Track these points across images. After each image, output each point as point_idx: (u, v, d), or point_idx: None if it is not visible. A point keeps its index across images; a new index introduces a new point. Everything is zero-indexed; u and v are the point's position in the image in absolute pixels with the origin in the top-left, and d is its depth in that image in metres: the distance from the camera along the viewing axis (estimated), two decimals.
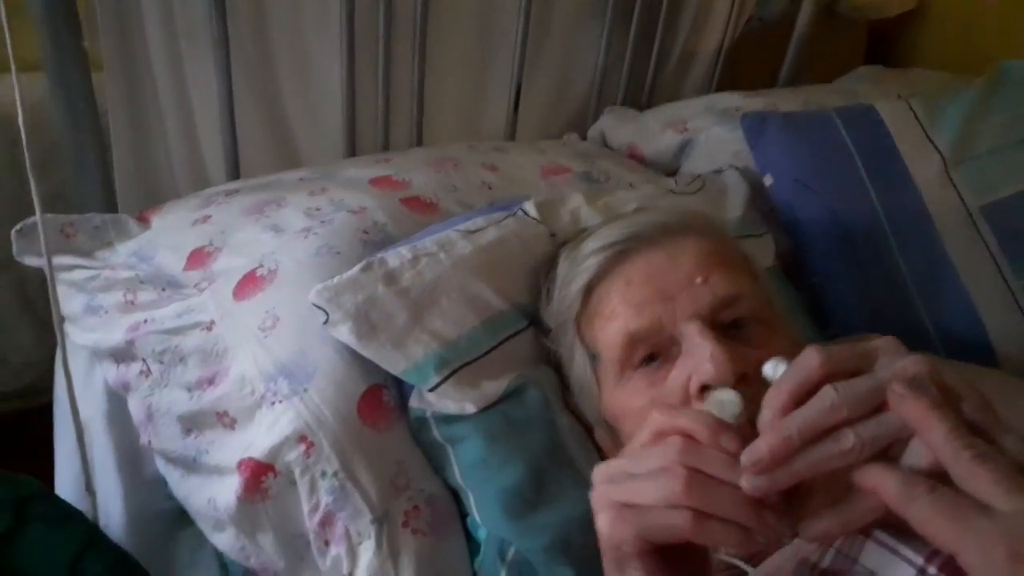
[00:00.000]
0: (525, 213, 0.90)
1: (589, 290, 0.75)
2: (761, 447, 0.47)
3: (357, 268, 0.79)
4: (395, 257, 0.81)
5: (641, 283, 0.72)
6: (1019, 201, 1.07)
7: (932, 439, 0.43)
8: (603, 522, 0.53)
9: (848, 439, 0.45)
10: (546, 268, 0.84)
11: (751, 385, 0.65)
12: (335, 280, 0.78)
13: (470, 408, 0.76)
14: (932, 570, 0.54)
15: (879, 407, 0.46)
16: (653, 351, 0.70)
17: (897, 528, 0.56)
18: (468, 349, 0.78)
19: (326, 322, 0.76)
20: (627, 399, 0.71)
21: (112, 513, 0.86)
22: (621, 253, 0.75)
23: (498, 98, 1.34)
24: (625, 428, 0.72)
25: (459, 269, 0.81)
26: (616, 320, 0.72)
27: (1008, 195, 1.07)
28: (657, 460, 0.51)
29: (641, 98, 1.49)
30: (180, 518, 0.86)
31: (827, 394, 0.46)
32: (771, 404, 0.49)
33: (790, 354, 0.56)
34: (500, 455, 0.75)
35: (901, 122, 1.12)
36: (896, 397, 0.45)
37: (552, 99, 1.42)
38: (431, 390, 0.76)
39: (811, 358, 0.48)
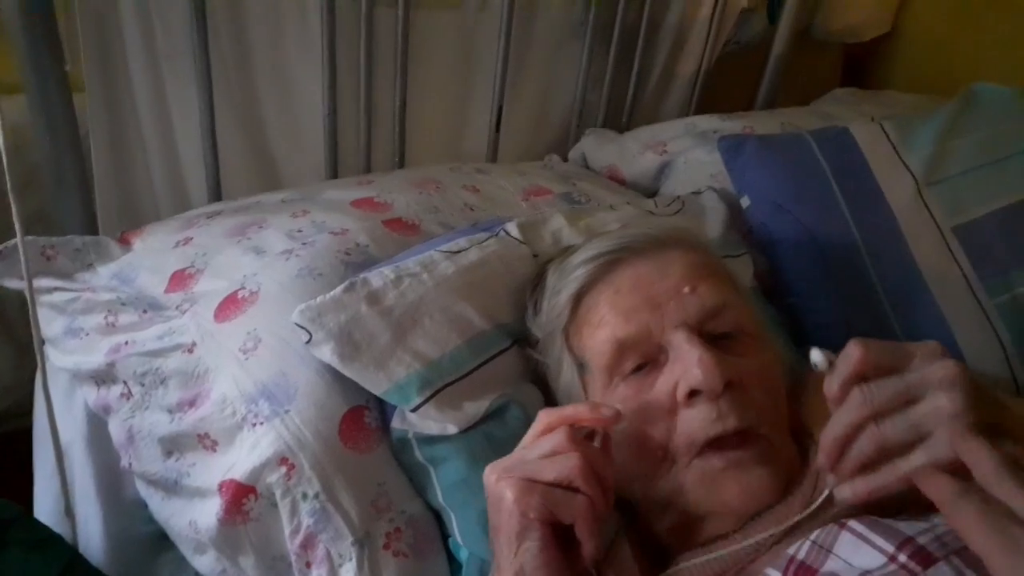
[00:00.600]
0: (507, 234, 0.91)
1: (578, 299, 0.76)
2: (821, 460, 0.58)
3: (340, 288, 0.79)
4: (378, 277, 0.81)
5: (629, 291, 0.73)
6: (990, 222, 1.08)
7: (980, 469, 0.52)
8: (509, 494, 0.61)
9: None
10: (533, 282, 0.85)
11: (738, 392, 0.67)
12: (318, 300, 0.78)
13: (452, 429, 0.76)
14: (902, 558, 0.56)
15: (909, 401, 0.56)
16: (641, 360, 0.71)
17: (881, 510, 0.61)
18: (451, 369, 0.79)
19: (309, 342, 0.77)
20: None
21: (92, 536, 0.86)
22: (610, 263, 0.76)
23: (480, 120, 1.36)
24: (612, 435, 0.71)
25: (442, 289, 0.82)
26: (605, 328, 0.72)
27: (980, 216, 1.09)
28: (549, 445, 0.63)
29: (621, 120, 1.52)
30: (161, 541, 0.86)
31: (855, 396, 0.56)
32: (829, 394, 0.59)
33: (774, 367, 0.67)
34: (481, 475, 0.75)
35: (874, 144, 1.14)
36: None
37: (533, 121, 1.44)
38: (413, 411, 0.76)
39: (853, 351, 0.58)
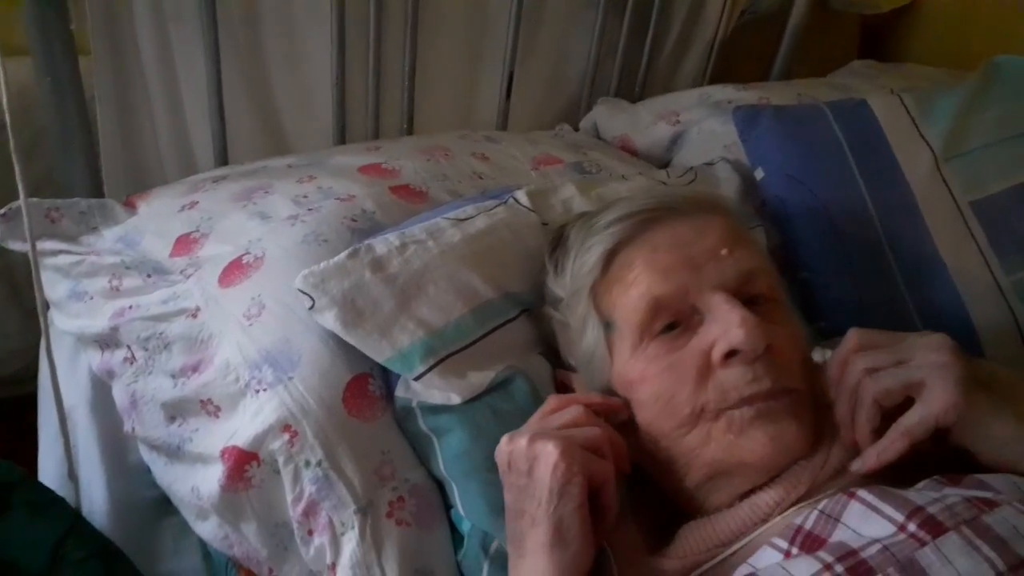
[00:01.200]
0: (517, 201, 0.90)
1: (612, 255, 0.74)
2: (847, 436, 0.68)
3: (344, 254, 0.79)
4: (383, 244, 0.80)
5: (667, 250, 0.72)
6: (1009, 197, 1.06)
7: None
8: (553, 448, 0.64)
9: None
10: (552, 243, 0.83)
11: (772, 356, 0.67)
12: (321, 266, 0.77)
13: (455, 399, 0.75)
14: (912, 527, 0.55)
15: (901, 362, 0.65)
16: (673, 319, 0.70)
17: (895, 481, 0.61)
18: (455, 338, 0.78)
19: (312, 308, 0.76)
20: (644, 366, 0.70)
21: (95, 500, 0.86)
22: (647, 220, 0.74)
23: (490, 87, 1.34)
24: (639, 395, 0.72)
25: (448, 257, 0.81)
26: (640, 285, 0.71)
27: (998, 191, 1.07)
28: (569, 416, 0.68)
29: (634, 89, 1.49)
30: (164, 506, 0.86)
31: (853, 363, 0.67)
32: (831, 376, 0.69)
33: (801, 335, 0.72)
34: (485, 448, 0.74)
35: (893, 117, 1.12)
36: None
37: (545, 89, 1.42)
38: (416, 379, 0.75)
39: (850, 334, 0.69)
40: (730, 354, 0.67)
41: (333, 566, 0.73)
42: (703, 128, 1.29)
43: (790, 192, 1.09)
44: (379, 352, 0.76)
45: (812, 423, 0.69)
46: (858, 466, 0.66)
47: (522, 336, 0.83)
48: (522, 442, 0.66)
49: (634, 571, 0.67)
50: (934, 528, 0.55)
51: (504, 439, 0.69)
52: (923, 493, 0.60)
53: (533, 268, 0.85)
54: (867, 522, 0.58)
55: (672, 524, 0.72)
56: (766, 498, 0.67)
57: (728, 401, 0.67)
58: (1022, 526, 0.55)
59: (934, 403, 0.63)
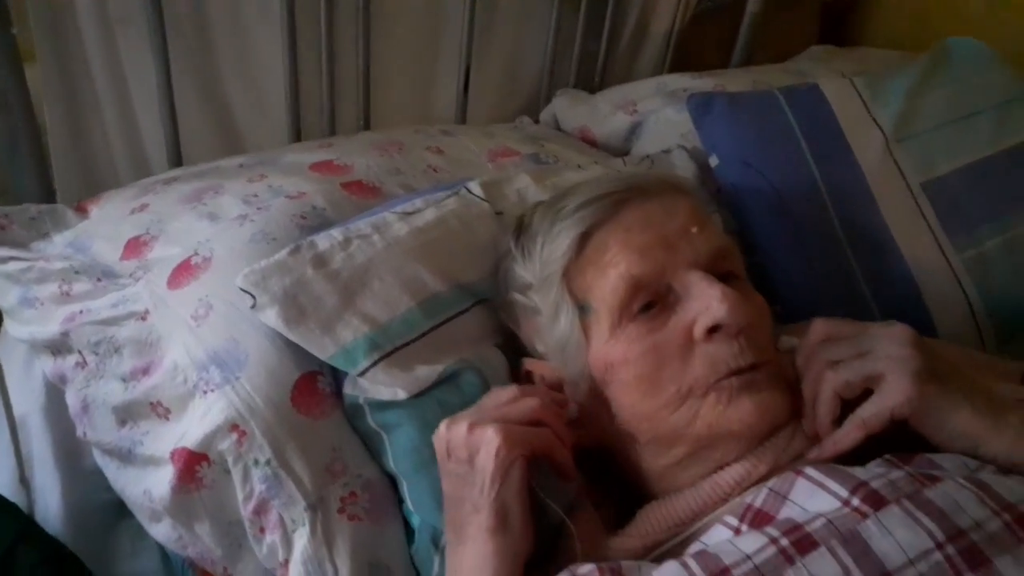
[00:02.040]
0: (469, 191, 0.90)
1: (585, 238, 0.73)
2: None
3: (285, 251, 0.78)
4: (325, 240, 0.80)
5: (641, 230, 0.72)
6: (959, 177, 1.08)
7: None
8: (494, 435, 0.65)
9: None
10: (515, 230, 0.82)
11: (751, 332, 0.69)
12: (262, 263, 0.77)
13: (401, 394, 0.75)
14: (856, 501, 0.57)
15: (862, 354, 0.67)
16: (651, 299, 0.71)
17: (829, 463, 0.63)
18: (401, 332, 0.78)
19: (253, 306, 0.76)
20: (625, 347, 0.71)
21: (50, 505, 0.85)
22: (618, 202, 0.74)
23: (447, 81, 1.33)
24: (619, 377, 0.72)
25: (393, 251, 0.81)
26: (617, 266, 0.71)
27: (948, 171, 1.08)
28: (504, 395, 0.70)
29: (593, 80, 1.49)
30: (121, 509, 0.86)
31: (816, 354, 0.69)
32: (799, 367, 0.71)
33: (767, 312, 0.75)
34: (433, 443, 0.75)
35: (844, 100, 1.12)
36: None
37: (503, 82, 1.42)
38: (360, 375, 0.75)
39: (816, 325, 0.71)
40: (713, 329, 0.68)
41: (286, 563, 0.73)
42: (660, 117, 1.29)
43: (744, 178, 1.09)
44: (322, 349, 0.76)
45: (790, 392, 0.71)
46: (815, 454, 0.68)
47: (476, 328, 0.83)
48: (461, 430, 0.67)
49: (594, 551, 0.68)
50: (876, 502, 0.57)
51: (443, 425, 0.69)
52: (869, 469, 0.61)
53: (486, 258, 0.85)
54: (813, 498, 0.60)
55: (632, 508, 0.73)
56: (727, 477, 0.69)
57: (719, 374, 0.68)
58: (962, 499, 0.57)
59: (890, 396, 0.64)
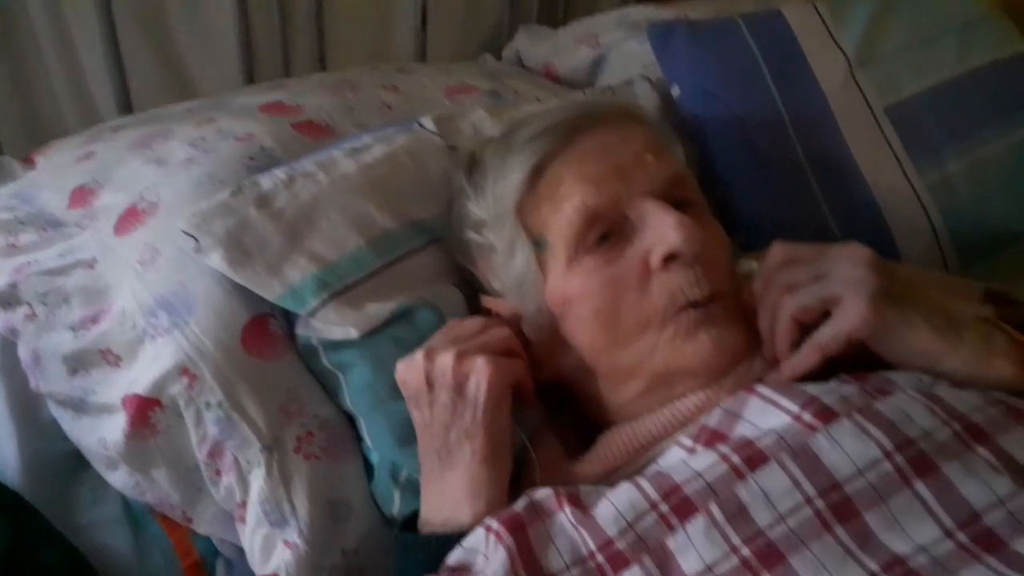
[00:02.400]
0: (422, 126, 0.88)
1: (538, 171, 0.72)
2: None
3: (227, 192, 0.77)
4: (268, 179, 0.79)
5: (595, 160, 0.71)
6: (922, 101, 1.06)
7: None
8: (486, 366, 0.66)
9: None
10: (467, 165, 0.80)
11: (707, 261, 0.69)
12: (204, 205, 0.76)
13: (353, 332, 0.74)
14: (807, 416, 0.58)
15: (820, 277, 0.66)
16: (607, 230, 0.70)
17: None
18: (351, 271, 0.76)
19: (197, 249, 0.74)
20: (582, 280, 0.70)
21: (7, 458, 0.84)
22: (571, 131, 0.72)
23: (405, 17, 1.30)
24: (576, 311, 0.71)
25: (340, 188, 0.79)
26: (572, 199, 0.70)
27: (912, 95, 1.07)
28: (469, 325, 0.71)
29: (557, 14, 1.46)
30: (80, 459, 0.84)
31: (775, 279, 0.68)
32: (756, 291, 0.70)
33: (725, 240, 0.74)
34: (388, 381, 0.74)
35: (807, 25, 1.10)
36: None
37: (462, 18, 1.38)
38: (311, 315, 0.74)
39: (775, 249, 0.69)
40: (669, 258, 0.67)
41: (243, 504, 0.74)
42: (623, 49, 1.26)
43: (706, 107, 1.08)
44: (269, 290, 0.75)
45: (749, 326, 0.70)
46: (774, 379, 0.67)
47: (432, 265, 0.82)
48: (447, 360, 0.67)
49: (554, 478, 0.68)
50: (827, 416, 0.58)
51: (419, 356, 0.68)
52: (820, 386, 0.62)
53: (439, 195, 0.83)
54: (766, 415, 0.60)
55: (593, 437, 0.73)
56: (688, 404, 0.69)
57: (676, 304, 0.68)
58: (912, 410, 0.57)
59: (846, 319, 0.64)
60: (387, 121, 0.98)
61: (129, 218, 0.83)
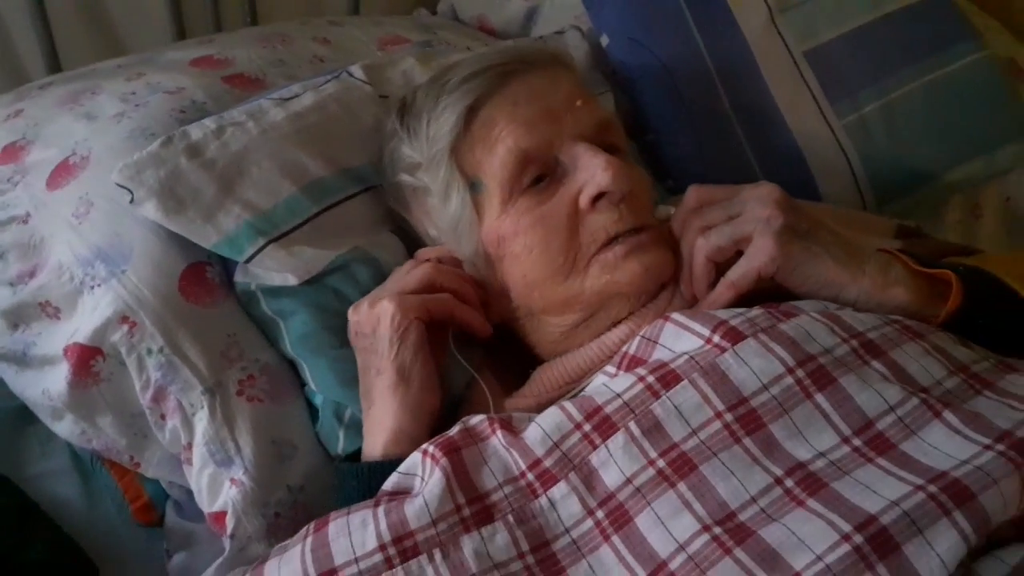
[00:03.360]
0: (350, 75, 0.89)
1: (472, 113, 0.73)
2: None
3: (157, 143, 0.78)
4: (198, 129, 0.80)
5: (527, 103, 0.73)
6: (840, 44, 1.10)
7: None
8: (388, 305, 0.70)
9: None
10: (399, 109, 0.81)
11: (633, 199, 0.72)
12: (135, 157, 0.77)
13: (292, 279, 0.77)
14: (716, 338, 0.61)
15: (732, 217, 0.70)
16: (540, 172, 0.72)
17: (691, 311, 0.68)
18: (286, 218, 0.78)
19: (132, 201, 0.75)
20: (516, 219, 0.73)
21: None
22: (503, 75, 0.74)
23: None
24: (511, 250, 0.74)
25: (269, 137, 0.80)
26: (506, 140, 0.72)
27: (830, 39, 1.10)
28: (402, 271, 0.75)
29: None
30: (26, 415, 0.86)
31: (690, 222, 0.72)
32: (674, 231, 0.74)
33: (648, 183, 0.77)
34: (330, 328, 0.77)
35: None
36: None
37: None
38: (247, 261, 0.76)
39: (689, 192, 0.73)
40: (597, 197, 0.71)
41: (189, 446, 0.76)
42: (555, 1, 1.28)
43: (633, 56, 1.11)
44: (204, 238, 0.76)
45: (673, 251, 0.74)
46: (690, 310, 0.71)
47: (368, 212, 0.84)
48: (363, 308, 0.72)
49: (492, 411, 0.71)
50: (734, 337, 0.61)
51: (350, 311, 0.74)
52: (731, 311, 0.65)
53: (371, 143, 0.85)
54: (680, 340, 0.64)
55: (527, 374, 0.77)
56: (613, 337, 0.73)
57: (599, 242, 0.71)
58: (814, 330, 0.61)
59: (755, 257, 0.68)
60: (319, 74, 0.99)
61: (61, 172, 0.84)
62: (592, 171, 0.70)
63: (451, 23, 1.35)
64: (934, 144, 1.09)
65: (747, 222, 0.69)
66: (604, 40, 1.13)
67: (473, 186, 0.74)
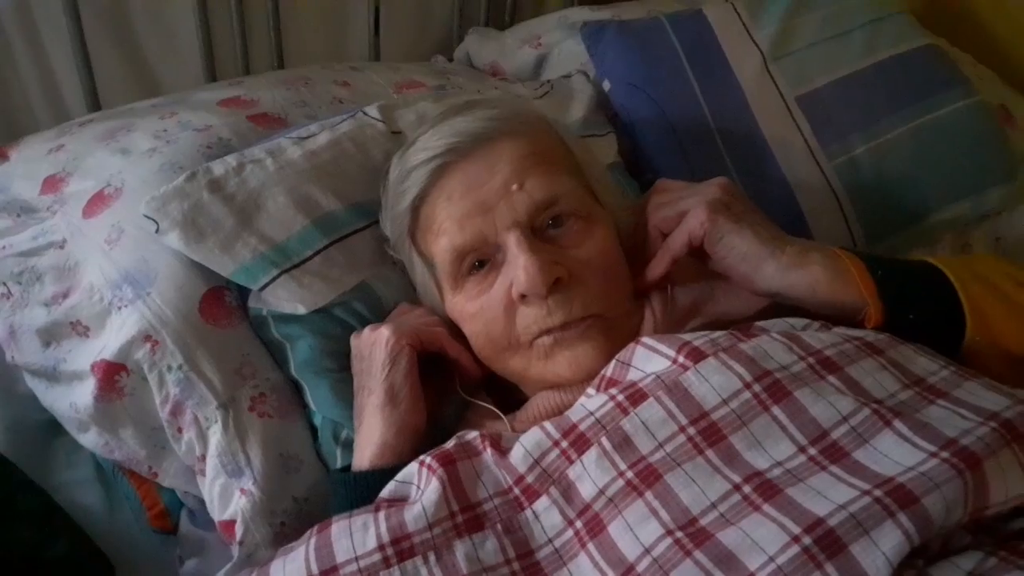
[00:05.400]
0: (365, 114, 0.95)
1: (416, 208, 0.79)
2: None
3: (182, 178, 0.84)
4: (220, 165, 0.86)
5: (460, 198, 0.76)
6: (831, 90, 1.15)
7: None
8: (386, 331, 0.77)
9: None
10: (382, 176, 0.87)
11: (567, 287, 0.75)
12: (162, 190, 0.83)
13: (301, 309, 0.83)
14: (681, 359, 0.66)
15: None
16: (480, 259, 0.77)
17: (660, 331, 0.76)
18: (298, 249, 0.84)
19: (157, 231, 0.82)
20: (462, 305, 0.79)
21: None
22: (440, 168, 0.77)
23: (358, 21, 1.38)
24: (465, 329, 0.80)
25: (286, 173, 0.87)
26: (443, 236, 0.77)
27: (821, 85, 1.16)
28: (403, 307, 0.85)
29: (504, 18, 1.54)
30: (54, 427, 0.92)
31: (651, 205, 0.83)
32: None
33: (607, 244, 0.78)
34: (332, 353, 0.84)
35: (725, 23, 1.19)
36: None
37: (414, 21, 1.46)
38: (261, 290, 0.82)
39: (656, 185, 0.85)
40: (523, 295, 0.74)
41: (203, 457, 0.81)
42: (563, 49, 1.35)
43: (633, 100, 1.17)
44: (223, 267, 0.83)
45: (614, 337, 0.76)
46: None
47: (374, 245, 0.89)
48: (365, 333, 0.79)
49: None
50: (697, 356, 0.66)
51: (352, 337, 0.81)
52: (697, 333, 0.70)
53: (381, 178, 0.91)
54: (649, 362, 0.69)
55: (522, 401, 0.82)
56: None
57: (530, 334, 0.76)
58: (772, 349, 0.66)
59: (687, 222, 0.77)
60: (337, 113, 1.06)
61: (96, 202, 0.91)
62: (515, 270, 0.73)
63: (466, 68, 1.41)
64: (922, 185, 1.13)
65: (691, 199, 0.78)
66: (606, 85, 1.20)
67: (431, 267, 0.81)
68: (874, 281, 0.72)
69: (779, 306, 0.78)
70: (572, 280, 0.75)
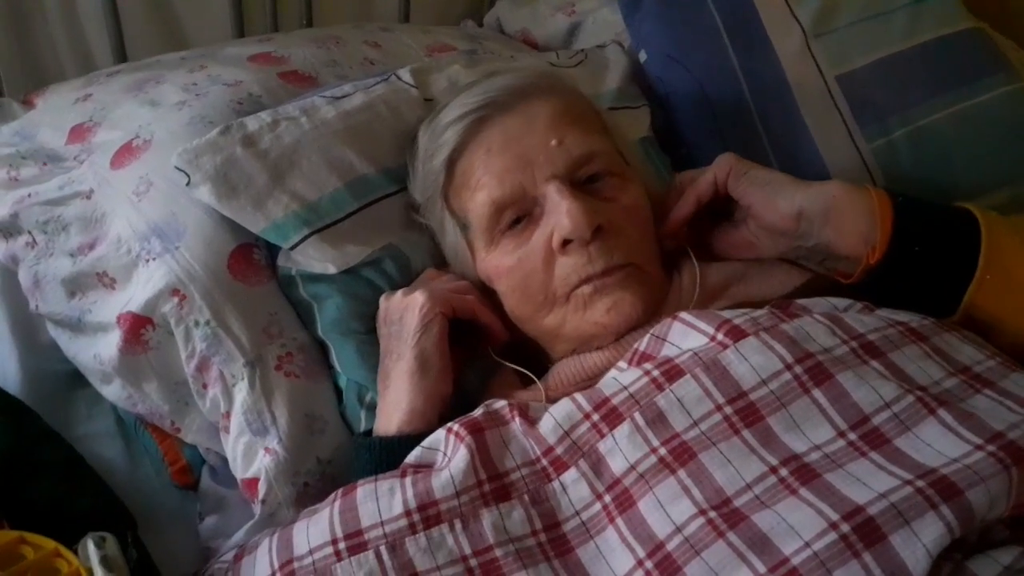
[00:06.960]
0: (398, 78, 0.94)
1: (452, 163, 0.79)
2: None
3: (216, 131, 0.83)
4: (255, 121, 0.85)
5: (500, 151, 0.76)
6: (871, 71, 1.13)
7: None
8: (420, 296, 0.76)
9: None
10: (409, 142, 0.87)
11: (606, 236, 0.74)
12: (195, 143, 0.82)
13: (331, 268, 0.82)
14: (720, 336, 0.65)
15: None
16: (519, 214, 0.77)
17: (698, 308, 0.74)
18: (330, 211, 0.83)
19: (188, 184, 0.81)
20: (498, 261, 0.78)
21: (8, 374, 0.91)
22: (478, 122, 0.78)
23: None
24: (500, 287, 0.80)
25: (320, 133, 0.85)
26: (482, 190, 0.77)
27: (862, 65, 1.13)
28: (433, 271, 0.83)
29: None
30: (76, 379, 0.92)
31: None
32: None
33: (640, 202, 0.79)
34: (359, 314, 0.83)
35: None
36: None
37: None
38: (291, 249, 0.81)
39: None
40: (566, 242, 0.74)
41: (227, 414, 0.81)
42: (597, 17, 1.33)
43: (669, 72, 1.14)
44: (254, 223, 0.81)
45: (653, 287, 0.77)
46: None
47: (404, 211, 0.88)
48: (397, 297, 0.78)
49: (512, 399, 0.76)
50: (737, 334, 0.65)
51: (382, 298, 0.79)
52: (736, 311, 0.69)
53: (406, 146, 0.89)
54: (686, 338, 0.68)
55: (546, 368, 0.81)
56: (634, 336, 0.76)
57: (570, 284, 0.75)
58: (814, 330, 0.65)
59: (712, 166, 0.79)
60: (369, 74, 1.05)
61: (124, 153, 0.90)
62: (557, 217, 0.74)
63: (497, 35, 1.39)
64: (959, 172, 1.10)
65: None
66: (642, 56, 1.17)
67: (464, 227, 0.80)
68: (892, 206, 0.73)
69: (812, 290, 0.77)
70: (612, 228, 0.75)
